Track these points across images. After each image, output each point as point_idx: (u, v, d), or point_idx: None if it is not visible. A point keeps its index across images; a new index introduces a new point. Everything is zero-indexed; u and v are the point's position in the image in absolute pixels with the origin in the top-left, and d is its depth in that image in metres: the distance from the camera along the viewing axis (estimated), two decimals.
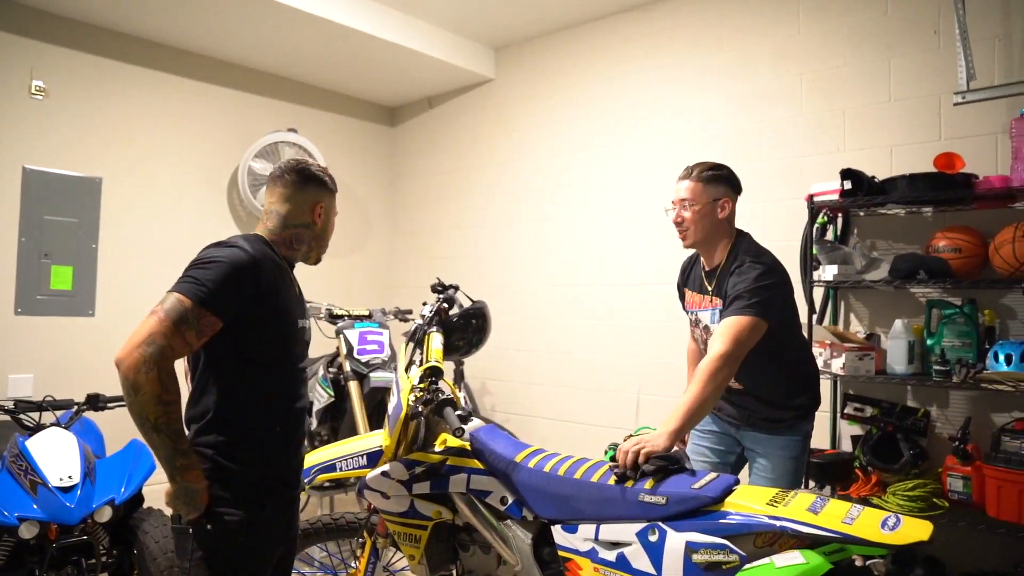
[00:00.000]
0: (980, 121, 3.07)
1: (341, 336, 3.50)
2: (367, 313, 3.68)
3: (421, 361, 2.28)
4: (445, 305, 2.46)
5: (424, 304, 2.53)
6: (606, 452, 3.11)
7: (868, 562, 3.06)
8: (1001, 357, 2.79)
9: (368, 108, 5.46)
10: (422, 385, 2.10)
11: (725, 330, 2.20)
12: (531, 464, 2.00)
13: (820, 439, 3.30)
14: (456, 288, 2.59)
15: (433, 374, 2.12)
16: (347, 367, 3.39)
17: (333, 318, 3.62)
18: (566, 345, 4.48)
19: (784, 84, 3.64)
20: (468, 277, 4.96)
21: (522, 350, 4.68)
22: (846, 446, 3.30)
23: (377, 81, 5.02)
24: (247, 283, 1.74)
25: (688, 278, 2.67)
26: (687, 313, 2.66)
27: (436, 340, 2.28)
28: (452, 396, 2.03)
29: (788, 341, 2.45)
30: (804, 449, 2.50)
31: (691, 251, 2.70)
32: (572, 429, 4.41)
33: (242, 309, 1.74)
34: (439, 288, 2.54)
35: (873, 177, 3.08)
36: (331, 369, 3.58)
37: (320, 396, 3.49)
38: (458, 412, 2.14)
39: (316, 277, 4.97)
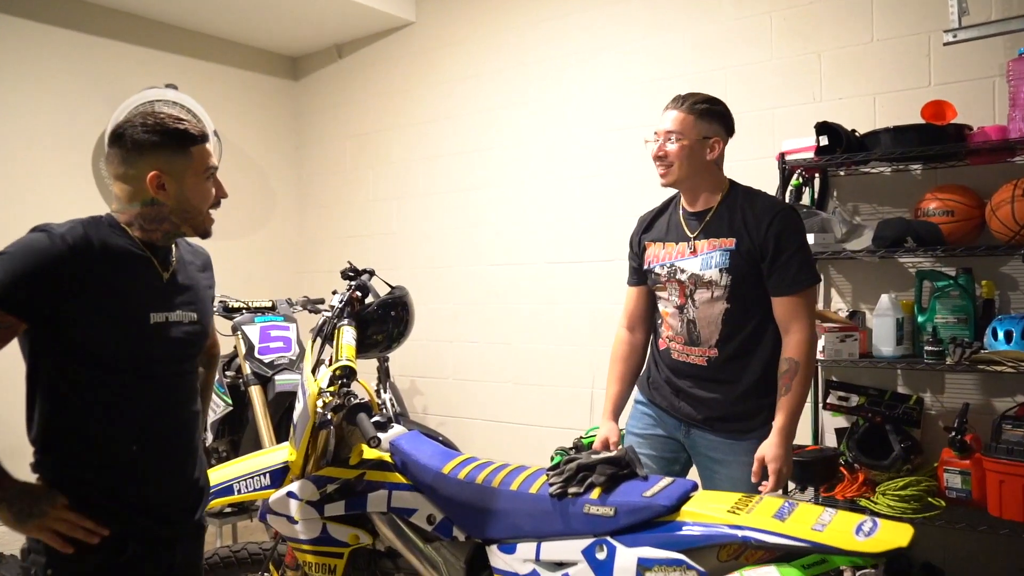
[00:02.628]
0: (974, 64, 3.17)
1: (238, 333, 3.46)
2: (270, 304, 3.64)
3: (331, 360, 2.28)
4: (358, 293, 2.45)
5: (334, 293, 2.52)
6: (552, 458, 3.18)
7: (858, 573, 3.18)
8: (1000, 334, 2.90)
9: (266, 58, 5.38)
10: (331, 388, 2.10)
11: (796, 314, 2.36)
12: (461, 475, 2.02)
13: (801, 434, 3.39)
14: (371, 273, 2.58)
15: (344, 375, 2.12)
16: (247, 369, 3.35)
17: (228, 312, 3.57)
18: (505, 335, 4.51)
19: (752, 24, 3.71)
20: (389, 258, 4.95)
21: (455, 342, 4.70)
22: (830, 441, 3.41)
23: (275, 26, 4.93)
24: (51, 274, 1.65)
25: (651, 228, 2.67)
26: (650, 269, 2.60)
27: (348, 335, 2.27)
28: (367, 400, 2.03)
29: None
30: None
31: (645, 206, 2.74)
32: (516, 432, 4.45)
33: (53, 304, 1.66)
34: (351, 274, 2.54)
35: (853, 131, 3.17)
36: (228, 373, 3.55)
37: (216, 405, 3.45)
38: (374, 419, 2.15)
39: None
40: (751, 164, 3.62)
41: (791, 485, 3.21)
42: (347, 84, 5.25)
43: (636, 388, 2.75)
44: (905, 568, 3.14)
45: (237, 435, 3.54)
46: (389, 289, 2.58)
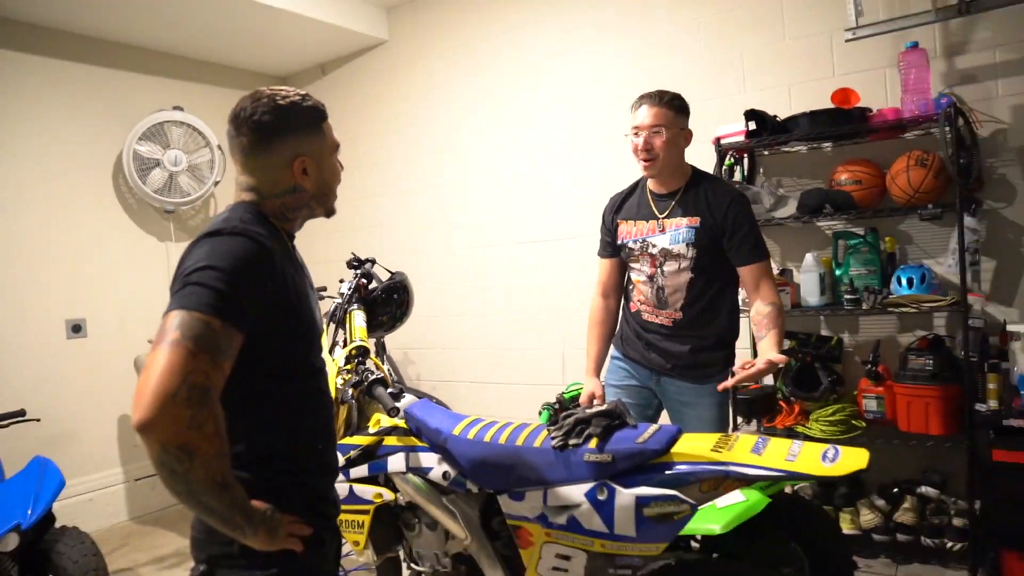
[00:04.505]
0: (870, 56, 3.14)
1: None
2: None
3: (345, 341, 2.18)
4: (364, 280, 2.35)
5: (341, 281, 2.41)
6: (540, 413, 3.11)
7: (795, 487, 3.17)
8: (904, 281, 2.91)
9: (258, 80, 5.16)
10: (349, 366, 2.01)
11: (763, 277, 2.33)
12: (470, 435, 1.94)
13: None
14: (373, 261, 2.48)
15: (360, 354, 2.02)
16: None
17: None
18: (485, 307, 4.42)
19: (682, 29, 3.63)
20: (379, 247, 4.83)
21: (441, 316, 4.60)
22: (768, 380, 3.38)
23: (265, 50, 4.74)
24: (263, 282, 1.30)
25: (620, 209, 2.59)
26: (624, 244, 2.52)
27: (359, 318, 2.17)
28: (382, 375, 1.94)
29: (735, 279, 2.47)
30: (728, 392, 2.53)
31: (608, 191, 2.67)
32: (500, 391, 4.38)
33: (260, 314, 1.29)
34: (355, 263, 2.43)
35: (775, 116, 3.12)
36: None
37: None
38: (390, 390, 2.06)
39: None
40: (690, 149, 3.55)
41: (739, 420, 3.18)
42: (331, 99, 5.06)
43: (612, 346, 2.69)
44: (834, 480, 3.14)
45: None
46: (390, 275, 2.48)
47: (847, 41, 3.00)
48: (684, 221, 2.39)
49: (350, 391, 1.93)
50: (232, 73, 4.97)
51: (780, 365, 2.13)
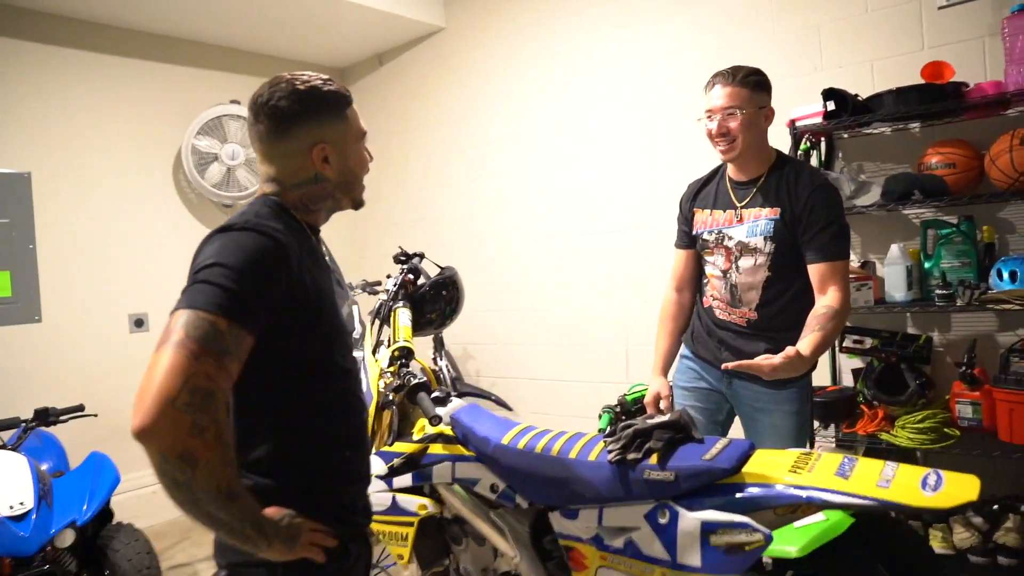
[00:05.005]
0: (965, 25, 2.83)
1: None
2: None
3: (389, 341, 2.04)
4: (411, 276, 2.21)
5: (388, 277, 2.28)
6: (599, 416, 2.93)
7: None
8: (1005, 274, 2.61)
9: (318, 71, 5.09)
10: (391, 368, 1.88)
11: (832, 278, 2.06)
12: (520, 445, 1.78)
13: (820, 376, 3.12)
14: (421, 256, 2.35)
15: (403, 355, 1.89)
16: None
17: None
18: (546, 301, 4.26)
19: (753, 3, 3.37)
20: (435, 240, 4.72)
21: (500, 311, 4.45)
22: (847, 381, 3.12)
23: (321, 41, 4.67)
24: (276, 281, 1.21)
25: (697, 197, 2.37)
26: (699, 235, 2.31)
27: (403, 316, 2.04)
28: (425, 379, 1.80)
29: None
30: (809, 398, 2.30)
31: (680, 180, 2.46)
32: (561, 388, 4.21)
33: (275, 314, 1.20)
34: (402, 258, 2.29)
35: (856, 95, 2.85)
36: None
37: None
38: (435, 394, 1.92)
39: None
40: None
41: (815, 424, 2.94)
42: (388, 88, 4.98)
43: (683, 344, 2.48)
44: (939, 513, 2.87)
45: None
46: (439, 270, 2.34)
47: (940, 8, 2.72)
48: (764, 212, 2.17)
49: (391, 395, 1.79)
50: (289, 65, 4.91)
51: (781, 362, 1.83)
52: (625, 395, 2.63)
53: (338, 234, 5.02)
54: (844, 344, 3.05)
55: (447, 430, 1.92)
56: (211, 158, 4.22)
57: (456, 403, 1.99)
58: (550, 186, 4.18)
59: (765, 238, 2.15)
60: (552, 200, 4.18)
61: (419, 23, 4.46)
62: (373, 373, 1.90)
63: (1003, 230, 2.81)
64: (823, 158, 3.14)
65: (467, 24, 4.49)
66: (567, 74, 4.06)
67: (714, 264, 2.29)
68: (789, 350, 1.84)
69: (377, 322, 2.11)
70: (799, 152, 3.03)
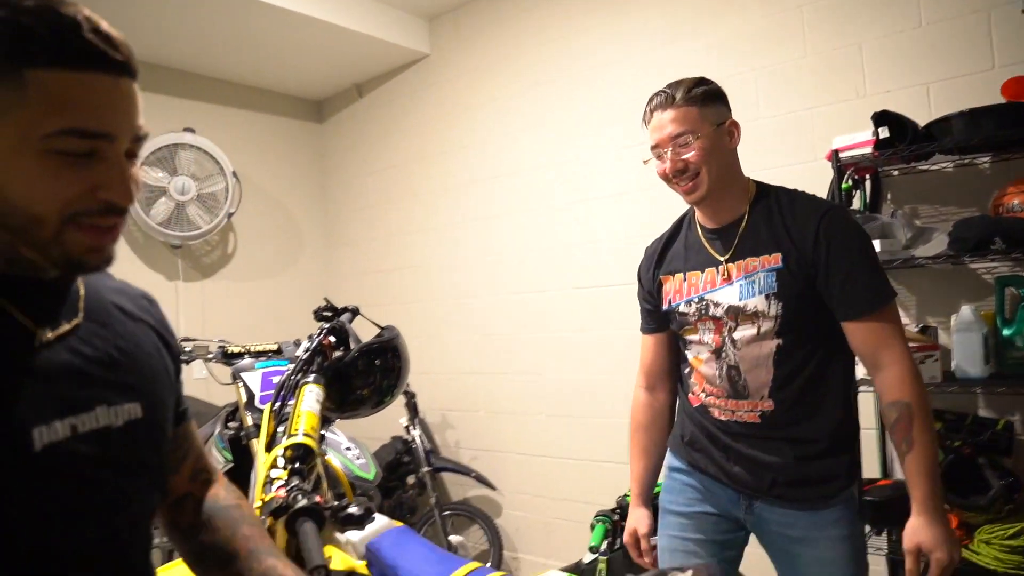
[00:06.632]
0: None
1: (239, 381, 2.67)
2: (275, 348, 2.83)
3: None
4: (331, 339, 1.61)
5: (310, 338, 1.68)
6: (592, 527, 2.30)
7: None
8: None
9: (291, 103, 4.60)
10: (279, 475, 1.27)
11: (883, 334, 1.50)
12: None
13: (869, 465, 2.49)
14: (354, 312, 1.76)
15: (296, 457, 1.28)
16: (248, 420, 2.53)
17: (228, 358, 2.77)
18: (535, 364, 3.65)
19: (780, 21, 2.84)
20: (414, 291, 4.16)
21: (485, 373, 3.84)
22: (900, 472, 2.48)
23: (292, 68, 4.16)
24: None
25: (662, 261, 1.80)
26: (673, 309, 1.72)
27: (309, 397, 1.44)
28: (316, 500, 1.18)
29: (844, 346, 1.60)
30: (858, 516, 1.68)
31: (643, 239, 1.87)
32: (554, 466, 3.57)
33: None
34: (325, 313, 1.71)
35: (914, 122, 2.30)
36: (230, 425, 2.72)
37: (216, 462, 2.63)
38: (349, 510, 1.31)
39: (240, 306, 4.17)
40: (791, 169, 2.75)
41: (866, 528, 2.31)
42: (368, 122, 4.46)
43: (669, 454, 1.85)
44: None
45: (241, 491, 2.70)
46: (378, 331, 1.74)
47: None
48: (758, 262, 1.58)
49: (265, 519, 1.18)
50: (252, 93, 4.39)
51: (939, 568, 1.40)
52: (624, 496, 2.02)
53: (292, 283, 4.45)
54: None
55: (360, 566, 1.30)
56: (159, 192, 3.68)
57: (379, 524, 1.38)
58: (541, 231, 3.61)
59: (767, 296, 1.56)
60: (542, 247, 3.60)
61: (402, 48, 3.96)
62: (259, 479, 1.31)
63: None
64: (867, 200, 2.57)
65: (452, 50, 3.98)
66: (563, 107, 3.51)
67: (700, 344, 1.68)
68: (923, 543, 1.42)
69: (278, 403, 1.49)
70: (840, 192, 2.46)
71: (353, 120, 4.55)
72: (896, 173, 2.55)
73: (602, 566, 2.09)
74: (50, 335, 0.76)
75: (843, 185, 2.50)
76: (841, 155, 2.39)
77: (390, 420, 3.98)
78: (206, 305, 4.00)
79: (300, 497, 1.19)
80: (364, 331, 1.91)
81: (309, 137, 4.69)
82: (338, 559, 1.32)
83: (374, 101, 4.41)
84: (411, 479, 3.81)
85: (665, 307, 1.74)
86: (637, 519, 1.78)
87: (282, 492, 1.22)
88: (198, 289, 4.02)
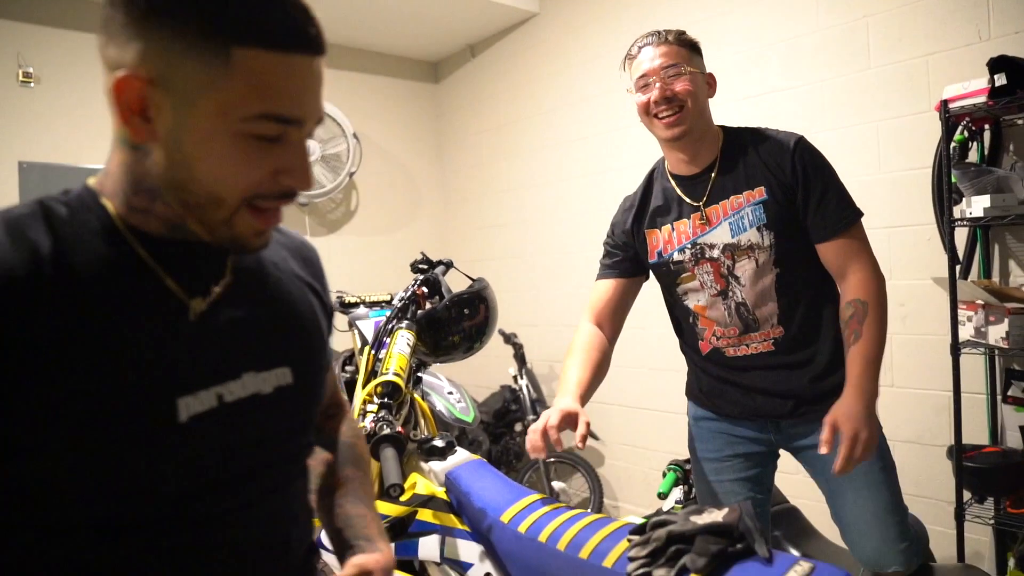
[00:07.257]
0: None
1: (354, 329, 2.90)
2: (388, 298, 3.03)
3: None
4: (424, 290, 1.76)
5: (404, 290, 1.85)
6: (664, 473, 2.38)
7: None
8: None
9: (409, 65, 4.79)
10: (372, 409, 1.44)
11: (851, 249, 1.59)
12: (522, 528, 1.29)
13: (976, 433, 2.41)
14: (448, 265, 1.90)
15: (385, 393, 1.45)
16: (362, 365, 2.76)
17: (345, 307, 3.01)
18: (639, 318, 3.68)
19: None
20: (522, 245, 4.28)
21: None
22: (1013, 441, 2.39)
23: (410, 33, 4.34)
24: None
25: (643, 216, 1.83)
26: (666, 260, 1.75)
27: (401, 341, 1.60)
28: (397, 430, 1.34)
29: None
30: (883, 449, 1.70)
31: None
32: (653, 418, 3.65)
33: None
34: (422, 266, 1.86)
35: None
36: (347, 369, 2.97)
37: None
38: (433, 442, 1.47)
39: (361, 260, 4.45)
40: (902, 121, 2.64)
41: (966, 495, 2.25)
42: (480, 81, 4.58)
43: (691, 403, 1.92)
44: None
45: None
46: (470, 283, 1.88)
47: None
48: (742, 198, 1.64)
49: None
50: (371, 57, 4.59)
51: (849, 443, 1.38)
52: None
53: (410, 238, 4.68)
54: (1010, 393, 2.34)
55: (440, 492, 1.46)
56: None
57: (458, 456, 1.53)
58: None
59: (759, 228, 1.62)
60: None
61: (512, 8, 4.04)
62: (355, 411, 1.48)
63: None
64: (985, 152, 2.43)
65: (562, 8, 4.01)
66: None
67: (701, 290, 1.72)
68: (837, 417, 1.41)
69: (376, 346, 1.67)
70: (952, 144, 2.35)
71: (467, 80, 4.68)
72: (1021, 122, 2.39)
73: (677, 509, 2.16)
74: (201, 303, 0.76)
75: (957, 137, 2.38)
76: (951, 105, 2.26)
77: (500, 370, 4.17)
78: (330, 259, 4.29)
79: (384, 427, 1.35)
80: (456, 284, 2.05)
81: (425, 98, 4.88)
82: (422, 485, 1.49)
83: (486, 60, 4.52)
84: (518, 426, 3.99)
85: (654, 260, 1.79)
86: (571, 403, 1.59)
87: (370, 423, 1.38)
88: (324, 244, 4.33)
